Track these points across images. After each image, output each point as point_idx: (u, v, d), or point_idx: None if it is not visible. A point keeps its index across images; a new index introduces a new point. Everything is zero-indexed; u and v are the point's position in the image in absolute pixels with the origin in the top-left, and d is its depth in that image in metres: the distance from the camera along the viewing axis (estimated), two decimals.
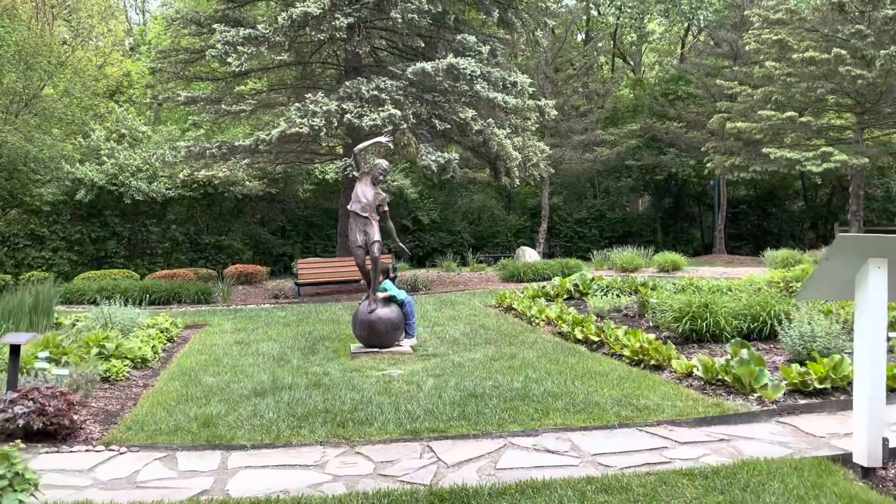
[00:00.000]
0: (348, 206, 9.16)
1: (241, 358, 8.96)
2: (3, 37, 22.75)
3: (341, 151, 18.97)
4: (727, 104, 23.76)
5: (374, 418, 5.96)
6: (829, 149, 19.61)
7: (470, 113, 15.39)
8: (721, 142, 24.32)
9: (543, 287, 13.83)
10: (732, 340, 8.42)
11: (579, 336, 9.42)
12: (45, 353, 7.54)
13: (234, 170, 15.10)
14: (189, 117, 17.04)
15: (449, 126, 15.26)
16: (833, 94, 21.24)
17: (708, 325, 8.54)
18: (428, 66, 14.54)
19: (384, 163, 9.28)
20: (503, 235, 35.80)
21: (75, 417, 5.80)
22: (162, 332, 10.57)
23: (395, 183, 31.88)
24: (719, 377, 6.81)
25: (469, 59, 15.00)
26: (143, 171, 23.59)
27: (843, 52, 19.16)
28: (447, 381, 7.25)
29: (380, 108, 14.50)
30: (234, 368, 8.29)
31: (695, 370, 7.11)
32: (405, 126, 14.64)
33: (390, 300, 9.14)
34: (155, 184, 23.52)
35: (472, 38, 15.53)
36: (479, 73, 15.03)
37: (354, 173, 9.22)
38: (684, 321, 8.61)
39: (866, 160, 19.63)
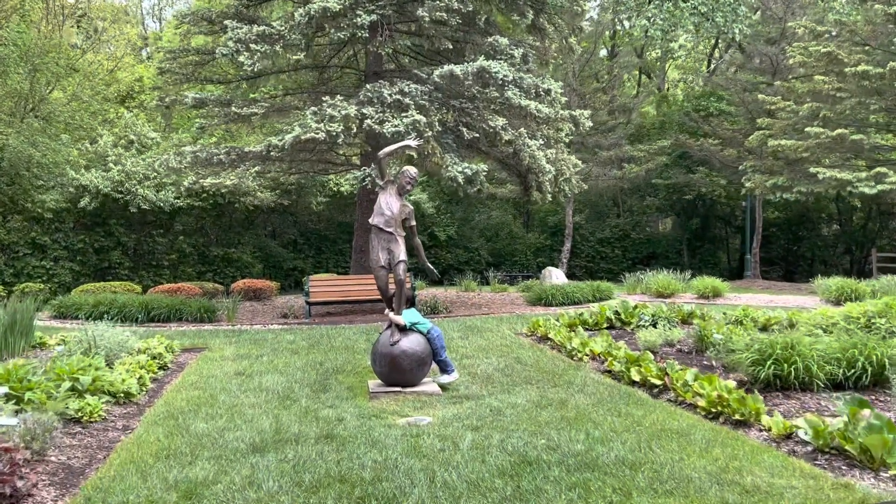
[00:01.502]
0: (370, 220, 7.88)
1: (240, 395, 7.65)
2: (9, 37, 21.75)
3: (358, 161, 17.75)
4: (768, 121, 22.38)
5: (404, 493, 4.62)
6: (884, 169, 18.19)
7: (500, 121, 14.12)
8: (760, 160, 22.92)
9: (581, 314, 12.46)
10: (835, 394, 7.07)
11: (636, 377, 8.05)
12: (4, 389, 6.26)
13: (244, 178, 13.91)
14: (196, 121, 15.82)
15: (477, 135, 13.98)
16: (886, 112, 19.85)
17: (797, 370, 7.16)
18: (457, 68, 13.29)
19: (412, 170, 7.98)
20: (522, 254, 34.46)
21: (19, 484, 4.50)
22: (154, 358, 9.29)
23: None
24: (835, 444, 5.43)
25: (501, 62, 13.75)
26: (151, 179, 22.47)
27: None
28: (489, 436, 5.90)
29: (403, 114, 13.25)
30: (232, 410, 6.97)
31: (798, 432, 5.74)
32: (430, 133, 13.38)
33: (411, 330, 7.80)
34: (163, 192, 22.39)
35: (505, 41, 14.29)
36: (511, 78, 13.78)
37: (379, 181, 7.94)
38: (767, 365, 7.23)
39: None
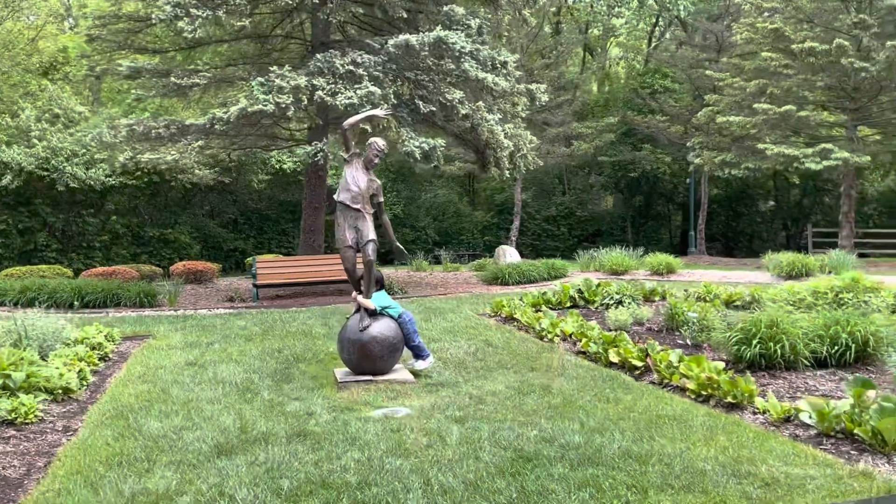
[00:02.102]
0: (335, 197, 7.28)
1: (195, 388, 7.00)
2: None
3: (306, 136, 16.97)
4: (715, 97, 22.44)
5: (398, 500, 4.14)
6: (830, 145, 18.41)
7: (458, 94, 13.58)
8: (707, 137, 23.02)
9: (544, 294, 12.14)
10: (819, 372, 6.89)
11: (614, 359, 7.73)
12: None
13: (186, 153, 13.02)
14: (132, 92, 14.74)
15: (434, 109, 13.42)
16: (830, 89, 20.10)
17: (783, 349, 6.94)
18: (413, 39, 12.67)
19: (380, 142, 7.41)
20: (469, 232, 34.11)
21: None
22: (93, 348, 8.53)
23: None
24: (840, 427, 5.18)
25: (458, 33, 13.19)
26: (80, 156, 21.11)
27: (846, 42, 17.97)
28: (477, 428, 5.46)
29: (356, 86, 12.59)
30: (188, 405, 6.34)
31: (800, 415, 5.48)
32: (385, 106, 12.74)
33: (381, 314, 7.27)
34: (93, 170, 21.06)
35: (461, 10, 13.72)
36: (468, 49, 13.24)
37: (343, 154, 7.34)
38: (754, 344, 6.99)
39: (868, 158, 18.49)
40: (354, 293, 7.39)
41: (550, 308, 11.76)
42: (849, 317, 7.30)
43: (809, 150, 18.49)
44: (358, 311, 7.31)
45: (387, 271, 19.76)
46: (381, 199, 7.47)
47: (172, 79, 13.10)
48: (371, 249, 7.11)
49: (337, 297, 14.73)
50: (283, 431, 5.51)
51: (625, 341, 8.03)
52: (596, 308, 11.78)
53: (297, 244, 31.24)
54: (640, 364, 7.39)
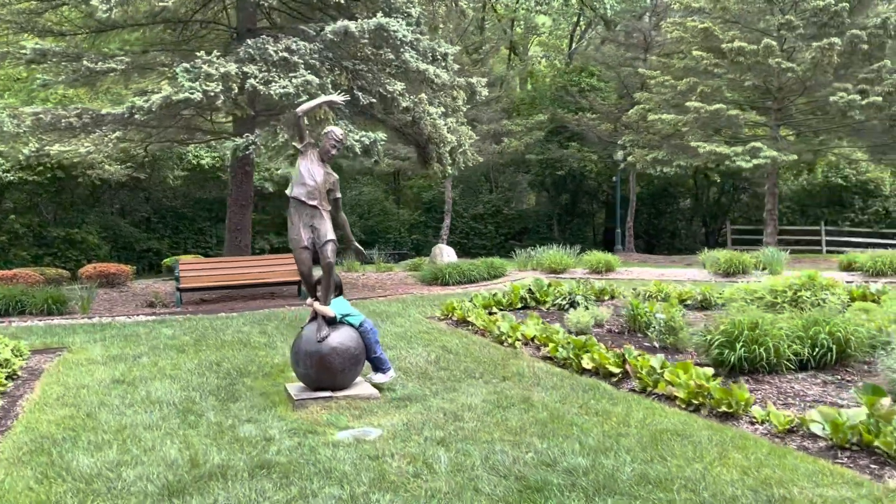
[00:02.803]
0: (289, 192, 6.51)
1: (127, 411, 6.10)
2: None
3: (230, 129, 15.91)
4: (645, 95, 22.57)
5: None
6: (759, 144, 18.71)
7: (398, 86, 12.90)
8: (637, 135, 23.14)
9: (495, 295, 11.62)
10: (800, 375, 6.62)
11: (587, 365, 7.27)
12: None
13: (102, 145, 11.79)
14: (38, 77, 13.33)
15: (374, 100, 12.70)
16: (756, 89, 20.47)
17: (767, 352, 6.63)
18: (352, 25, 11.92)
19: (338, 131, 6.67)
20: (396, 231, 33.46)
21: None
22: None
23: (278, 171, 28.78)
24: (856, 439, 4.84)
25: (399, 20, 12.51)
26: None
27: (774, 42, 18.28)
28: (466, 452, 4.85)
29: (291, 74, 11.73)
30: (122, 433, 5.46)
31: (810, 426, 5.12)
32: (342, 92, 11.95)
33: (340, 323, 6.55)
34: None
35: None
36: (409, 38, 12.59)
37: (297, 144, 6.58)
38: (738, 348, 6.65)
39: (794, 156, 18.90)
40: (310, 299, 6.64)
41: (501, 309, 11.26)
42: (826, 317, 7.07)
43: (740, 149, 18.75)
44: (314, 319, 6.57)
45: (316, 272, 18.88)
46: (339, 195, 6.73)
47: (85, 63, 11.85)
48: (330, 251, 6.38)
49: (268, 301, 13.81)
50: (242, 463, 4.74)
51: (595, 346, 7.58)
52: (548, 309, 11.36)
53: (215, 244, 29.85)
54: (617, 371, 6.95)
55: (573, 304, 11.23)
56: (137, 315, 12.21)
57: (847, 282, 13.06)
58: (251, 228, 16.36)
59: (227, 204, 16.03)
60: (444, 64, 13.93)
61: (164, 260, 21.25)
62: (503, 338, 8.92)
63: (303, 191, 6.40)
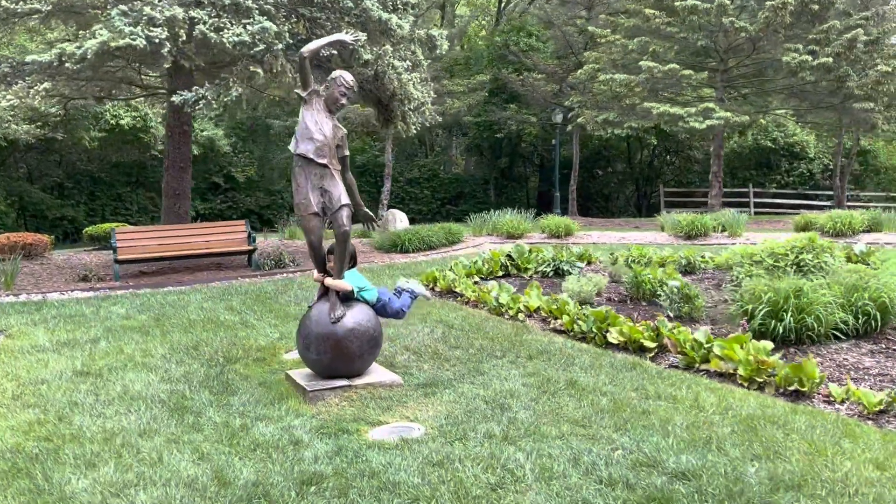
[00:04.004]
0: (293, 149, 5.54)
1: (107, 412, 5.08)
2: None
3: (166, 85, 14.43)
4: (594, 54, 22.06)
5: None
6: (711, 105, 18.55)
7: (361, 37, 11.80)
8: (583, 96, 22.68)
9: (475, 262, 10.89)
10: (844, 345, 6.21)
11: (614, 340, 6.67)
12: None
13: (28, 97, 10.21)
14: None
15: (335, 52, 11.60)
16: (706, 50, 20.28)
17: (818, 321, 6.19)
18: None
19: (348, 76, 5.71)
20: None
21: None
22: None
23: (203, 133, 27.05)
24: None
25: None
26: None
27: (727, 1, 18.04)
28: (541, 452, 4.14)
29: (245, 21, 10.51)
30: (111, 442, 4.47)
31: None
32: (280, 47, 10.80)
33: (355, 300, 5.68)
34: None
35: None
36: None
37: (301, 92, 5.58)
38: (788, 317, 6.16)
39: (746, 118, 18.86)
40: (318, 275, 5.72)
41: (483, 278, 10.57)
42: (867, 282, 6.69)
43: (693, 109, 18.54)
44: (323, 296, 5.67)
45: (259, 241, 17.66)
46: (347, 152, 5.81)
47: (3, 2, 10.23)
48: (345, 217, 5.46)
49: (217, 273, 12.65)
50: (282, 478, 3.89)
51: (618, 318, 6.98)
52: (530, 276, 10.74)
53: (136, 211, 27.87)
54: (652, 345, 6.37)
55: (558, 272, 10.66)
56: (73, 291, 10.88)
57: None
58: (190, 193, 15.01)
59: (164, 167, 14.61)
60: (406, 14, 12.93)
61: (86, 229, 19.45)
62: (503, 310, 8.23)
63: (311, 147, 5.44)
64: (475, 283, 9.92)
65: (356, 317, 5.53)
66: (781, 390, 5.28)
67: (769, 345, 5.66)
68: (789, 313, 6.18)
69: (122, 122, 23.51)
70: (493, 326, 7.57)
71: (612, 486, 3.70)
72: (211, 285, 11.16)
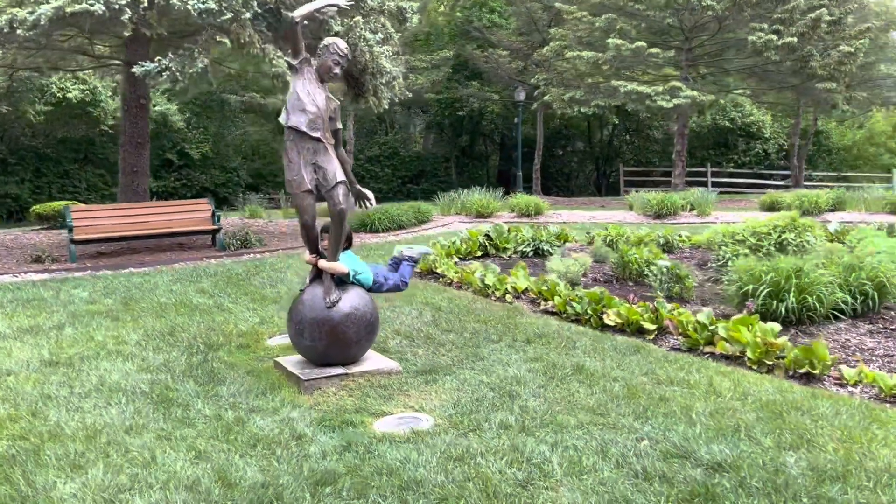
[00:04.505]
0: (284, 121, 5.15)
1: (84, 405, 4.68)
2: None
3: (122, 57, 13.70)
4: (561, 31, 21.81)
5: None
6: (678, 83, 18.53)
7: None
8: (548, 73, 22.45)
9: (454, 242, 10.62)
10: (841, 325, 6.15)
11: (610, 321, 6.49)
12: None
13: None
14: None
15: (306, 22, 11.06)
16: (671, 28, 20.23)
17: (820, 301, 6.10)
18: None
19: (342, 44, 5.32)
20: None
21: None
22: None
23: (156, 108, 26.06)
24: None
25: None
26: None
27: None
28: (565, 444, 3.92)
29: None
30: (96, 440, 4.09)
31: None
32: (248, 16, 10.28)
33: (345, 282, 5.34)
34: None
35: None
36: None
37: (292, 60, 5.19)
38: (791, 296, 6.06)
39: (712, 97, 18.90)
40: (311, 256, 5.36)
41: (461, 258, 10.32)
42: (864, 262, 6.64)
43: (660, 88, 18.49)
44: (315, 279, 5.33)
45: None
46: (340, 126, 5.44)
47: None
48: (342, 195, 5.11)
49: (180, 253, 12.13)
50: (290, 478, 3.58)
51: (613, 299, 6.79)
52: (510, 257, 10.53)
53: (84, 189, 26.78)
54: (652, 327, 6.20)
55: (538, 252, 10.48)
56: (27, 273, 10.28)
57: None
58: (149, 170, 14.35)
59: (121, 143, 13.92)
60: None
61: (33, 207, 18.55)
62: (489, 291, 7.99)
63: (303, 119, 5.06)
64: (454, 263, 9.65)
65: (352, 301, 5.21)
66: (793, 373, 5.16)
67: (776, 326, 5.53)
68: (791, 294, 6.06)
69: (69, 95, 22.45)
70: (483, 308, 7.33)
71: (649, 480, 3.49)
72: (175, 266, 10.67)
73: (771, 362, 5.29)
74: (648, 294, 7.71)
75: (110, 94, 24.09)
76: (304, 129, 5.05)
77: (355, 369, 5.24)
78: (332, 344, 5.13)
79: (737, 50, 20.62)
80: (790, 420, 4.19)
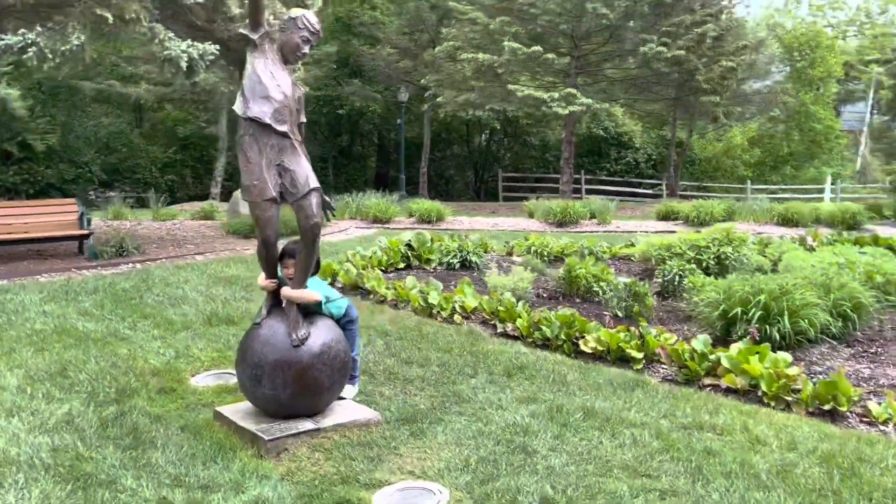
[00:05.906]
0: (241, 111, 4.07)
1: None
2: None
3: None
4: (453, 31, 21.20)
5: None
6: (573, 91, 18.45)
7: None
8: (439, 74, 21.82)
9: (375, 253, 9.62)
10: (822, 348, 5.84)
11: (587, 348, 5.82)
12: None
13: None
14: None
15: (201, 0, 9.72)
16: (564, 35, 20.18)
17: (812, 325, 5.73)
18: None
19: (313, 17, 4.28)
20: (146, 170, 28.80)
21: None
22: None
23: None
24: None
25: None
26: None
27: None
28: None
29: None
30: None
31: None
32: None
33: (316, 313, 4.30)
34: None
35: None
36: None
37: (250, 34, 4.08)
38: (785, 318, 5.64)
39: (606, 105, 18.98)
40: (265, 280, 4.28)
41: (383, 271, 9.34)
42: (845, 282, 6.37)
43: (556, 94, 18.33)
44: (272, 308, 4.25)
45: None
46: (304, 120, 4.41)
47: None
48: (315, 205, 4.09)
49: (41, 263, 10.31)
50: None
51: (585, 322, 6.14)
52: (434, 269, 9.69)
53: None
54: (639, 356, 5.58)
55: (465, 264, 9.71)
56: None
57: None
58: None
59: None
60: None
61: None
62: (433, 311, 7.12)
63: (267, 108, 4.00)
64: (380, 277, 8.68)
65: (323, 337, 4.18)
66: (814, 409, 4.68)
67: (787, 357, 5.07)
68: (786, 316, 5.65)
69: None
70: (436, 333, 6.44)
71: None
72: (40, 280, 8.96)
73: (789, 398, 4.79)
74: (599, 312, 7.15)
75: None
76: (268, 120, 4.00)
77: (325, 422, 4.22)
78: (300, 392, 4.09)
79: (621, 59, 20.93)
80: (867, 477, 3.65)
